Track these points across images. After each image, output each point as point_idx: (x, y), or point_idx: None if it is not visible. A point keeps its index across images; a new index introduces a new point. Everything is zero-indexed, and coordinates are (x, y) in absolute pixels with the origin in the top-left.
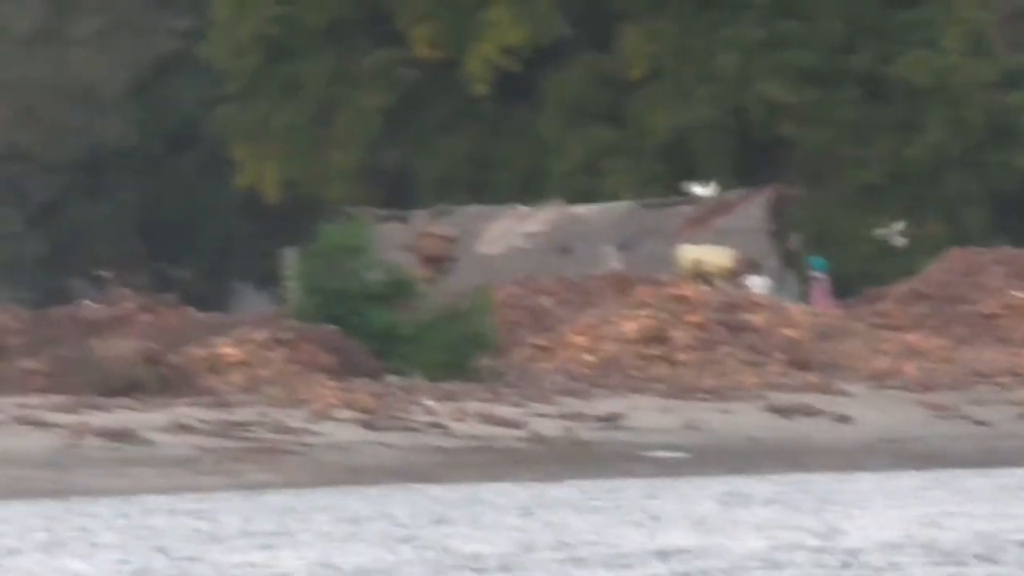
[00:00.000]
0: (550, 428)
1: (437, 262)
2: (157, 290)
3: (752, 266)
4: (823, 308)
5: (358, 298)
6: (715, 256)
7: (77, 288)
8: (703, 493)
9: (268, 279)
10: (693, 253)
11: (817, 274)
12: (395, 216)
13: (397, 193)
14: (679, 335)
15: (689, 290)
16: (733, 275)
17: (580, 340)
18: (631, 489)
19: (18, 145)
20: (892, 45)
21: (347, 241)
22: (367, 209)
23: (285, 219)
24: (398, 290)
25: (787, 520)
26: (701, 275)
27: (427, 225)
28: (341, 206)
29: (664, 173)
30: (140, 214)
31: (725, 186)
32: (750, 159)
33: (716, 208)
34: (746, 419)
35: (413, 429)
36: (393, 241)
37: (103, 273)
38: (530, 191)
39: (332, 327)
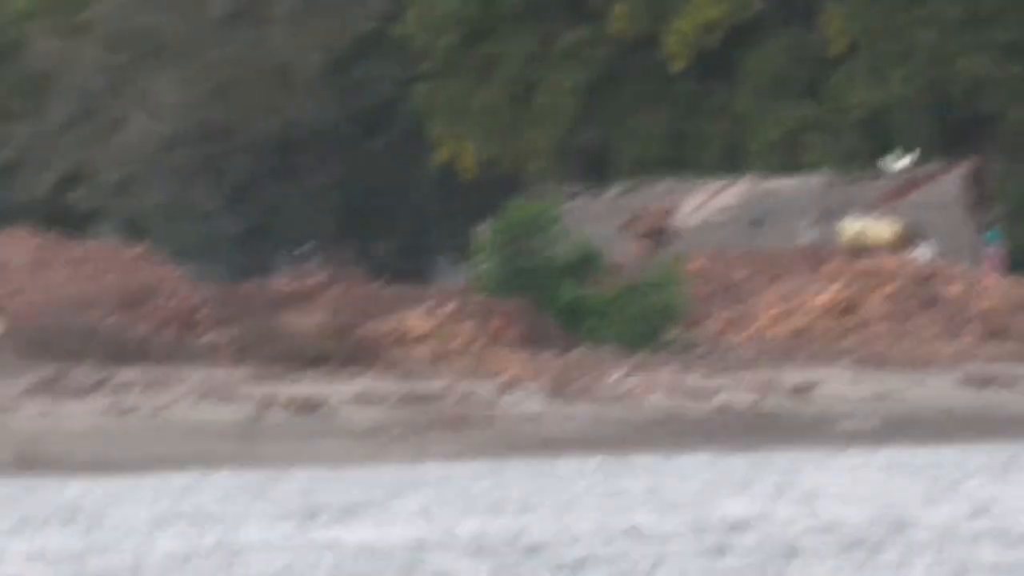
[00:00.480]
0: (739, 400)
1: (654, 236)
2: (355, 267)
3: (917, 237)
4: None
5: (546, 271)
6: (877, 228)
7: (274, 266)
8: (874, 463)
9: (465, 254)
10: (855, 225)
11: (990, 246)
12: (588, 191)
13: (595, 170)
14: (871, 306)
15: (882, 262)
16: (896, 246)
17: (771, 312)
18: (801, 461)
19: (214, 124)
20: None
21: (535, 215)
22: (560, 184)
23: (482, 194)
24: (586, 263)
25: (934, 492)
26: (863, 247)
27: (641, 200)
28: (537, 183)
29: (862, 149)
30: (336, 192)
31: (923, 160)
32: (950, 134)
33: (912, 181)
34: (940, 390)
35: (601, 400)
36: (586, 215)
37: (301, 250)
38: (728, 167)
39: (520, 299)
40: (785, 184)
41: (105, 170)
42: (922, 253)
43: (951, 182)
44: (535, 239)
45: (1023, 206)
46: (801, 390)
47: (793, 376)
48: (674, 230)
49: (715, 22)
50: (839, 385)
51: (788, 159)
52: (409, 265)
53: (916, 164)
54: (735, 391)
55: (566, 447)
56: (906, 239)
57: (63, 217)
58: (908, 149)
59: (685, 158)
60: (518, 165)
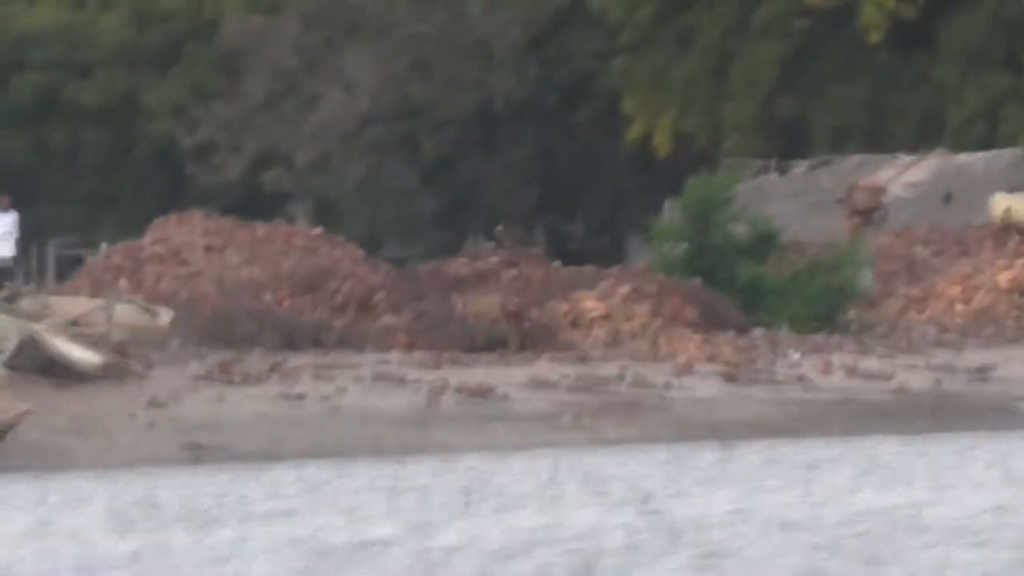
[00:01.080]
0: (919, 381)
1: (867, 213)
2: (550, 244)
3: None
4: None
5: (723, 251)
6: (1016, 202)
7: (471, 243)
8: None
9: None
10: (1005, 201)
11: None
12: (776, 167)
13: (792, 143)
14: None
15: None
16: None
17: (954, 290)
18: (979, 443)
19: (412, 101)
20: None
21: (715, 193)
22: (748, 161)
23: (677, 172)
24: (766, 242)
25: None
26: (1012, 224)
27: (831, 176)
28: (731, 158)
29: None
30: (533, 169)
31: None
32: None
33: None
34: None
35: (777, 383)
36: (774, 192)
37: (498, 229)
38: (926, 140)
39: (697, 280)
40: (976, 159)
41: (300, 150)
42: None
43: None
44: (715, 217)
45: None
46: (982, 371)
47: (974, 357)
48: (887, 208)
49: None
50: (1020, 365)
51: (987, 131)
52: (602, 244)
53: None
54: (914, 373)
55: (739, 431)
56: None
57: (254, 200)
58: None
59: (883, 130)
60: (714, 140)
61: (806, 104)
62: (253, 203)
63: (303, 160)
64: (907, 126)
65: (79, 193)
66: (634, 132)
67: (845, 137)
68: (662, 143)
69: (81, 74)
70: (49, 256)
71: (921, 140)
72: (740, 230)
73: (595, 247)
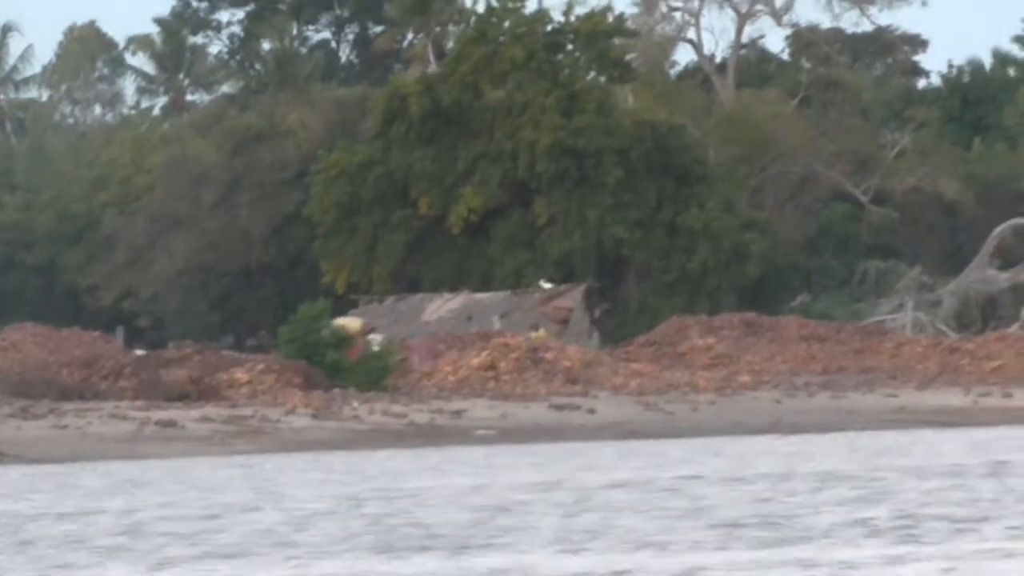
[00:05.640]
0: (422, 418)
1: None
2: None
3: (371, 328)
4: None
5: (318, 346)
6: (351, 323)
7: (241, 345)
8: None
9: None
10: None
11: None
12: (378, 300)
13: (412, 288)
14: (504, 365)
15: (511, 340)
16: (362, 334)
17: (448, 368)
18: (456, 454)
19: (206, 263)
20: (681, 206)
21: (313, 314)
22: (365, 296)
23: (350, 302)
24: (343, 340)
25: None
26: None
27: (406, 306)
28: (371, 295)
29: (557, 277)
30: (275, 301)
31: (580, 282)
32: (604, 268)
33: (555, 295)
34: (537, 412)
35: (343, 419)
36: (375, 313)
37: (259, 334)
38: (485, 287)
39: (303, 361)
40: (486, 297)
41: (144, 290)
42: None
43: (576, 295)
44: (312, 326)
45: (643, 308)
46: (458, 413)
47: (455, 405)
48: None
49: (478, 207)
50: (481, 410)
51: (516, 283)
52: None
53: (557, 284)
54: (420, 414)
55: (317, 447)
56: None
57: (118, 317)
58: (582, 277)
59: (460, 281)
60: (368, 285)
61: (420, 267)
62: (117, 319)
63: (146, 295)
64: (474, 279)
65: (22, 315)
66: (327, 279)
67: (441, 285)
68: (340, 286)
69: (26, 247)
70: None
71: (481, 287)
72: (328, 334)
73: None
